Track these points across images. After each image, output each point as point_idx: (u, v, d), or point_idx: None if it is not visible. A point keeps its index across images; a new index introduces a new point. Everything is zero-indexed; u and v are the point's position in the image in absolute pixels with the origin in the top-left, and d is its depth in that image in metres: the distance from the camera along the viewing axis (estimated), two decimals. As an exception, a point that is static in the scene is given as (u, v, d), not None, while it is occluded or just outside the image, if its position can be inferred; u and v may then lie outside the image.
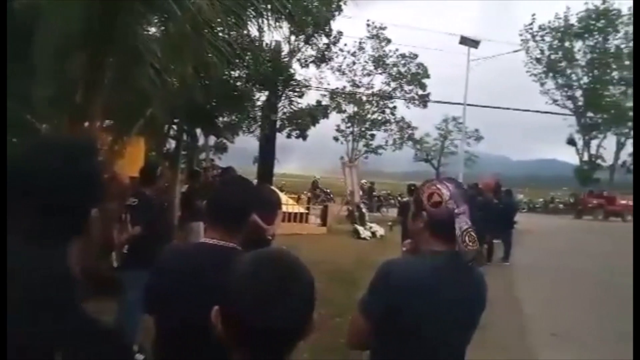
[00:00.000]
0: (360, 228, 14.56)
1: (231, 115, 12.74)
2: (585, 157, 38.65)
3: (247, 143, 19.58)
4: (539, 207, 33.11)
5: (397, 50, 31.54)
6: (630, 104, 37.48)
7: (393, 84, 32.11)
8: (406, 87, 31.84)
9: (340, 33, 21.60)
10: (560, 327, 6.28)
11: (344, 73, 31.26)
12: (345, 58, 30.52)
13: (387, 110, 32.63)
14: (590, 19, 36.65)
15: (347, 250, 11.04)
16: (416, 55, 31.45)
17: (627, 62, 36.39)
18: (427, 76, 31.42)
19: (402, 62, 31.53)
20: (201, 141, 15.06)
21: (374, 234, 14.37)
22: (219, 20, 4.61)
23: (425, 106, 31.69)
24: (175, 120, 10.60)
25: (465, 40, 24.04)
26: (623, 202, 29.00)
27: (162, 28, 5.01)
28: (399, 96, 32.07)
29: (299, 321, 0.91)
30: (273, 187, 8.35)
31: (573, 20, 37.28)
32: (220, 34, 5.28)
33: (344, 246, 11.86)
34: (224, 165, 13.03)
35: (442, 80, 36.54)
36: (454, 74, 29.48)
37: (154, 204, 4.53)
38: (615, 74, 37.03)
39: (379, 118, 32.79)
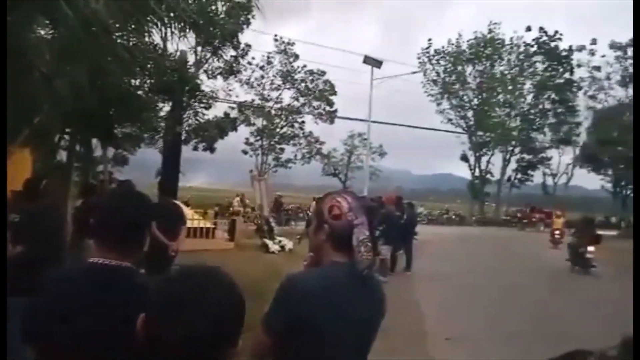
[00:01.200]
0: (269, 242, 14.43)
1: (132, 125, 12.07)
2: (477, 173, 42.12)
3: (149, 155, 18.68)
4: (435, 219, 35.24)
5: (305, 66, 32.18)
6: (514, 124, 41.68)
7: (302, 99, 32.65)
8: (314, 103, 32.51)
9: (248, 46, 21.57)
10: (455, 331, 6.69)
11: (252, 86, 31.21)
12: (253, 71, 30.53)
13: (296, 125, 33.06)
14: (479, 47, 40.31)
15: (255, 265, 10.87)
16: (324, 72, 32.31)
17: (510, 87, 40.45)
18: (334, 93, 32.37)
19: (310, 78, 32.19)
20: (99, 152, 14.07)
21: (282, 247, 14.32)
22: (117, 25, 4.34)
23: (332, 122, 32.56)
24: (67, 130, 9.77)
25: (368, 60, 25.16)
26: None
27: (52, 31, 4.60)
28: (307, 111, 32.66)
29: (209, 333, 0.93)
30: (177, 202, 8.01)
31: (464, 46, 40.76)
32: (119, 40, 4.97)
33: (252, 261, 11.67)
34: (123, 178, 12.25)
35: (348, 97, 37.83)
36: (358, 92, 30.69)
37: (38, 221, 4.10)
38: (500, 97, 40.91)
39: (288, 132, 33.09)
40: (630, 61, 36.81)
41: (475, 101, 41.22)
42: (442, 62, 41.23)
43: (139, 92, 10.96)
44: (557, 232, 19.96)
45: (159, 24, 5.47)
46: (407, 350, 5.90)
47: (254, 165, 30.99)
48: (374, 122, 27.61)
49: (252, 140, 32.81)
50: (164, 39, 13.07)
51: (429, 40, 42.02)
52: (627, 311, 4.22)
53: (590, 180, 52.52)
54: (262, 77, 31.41)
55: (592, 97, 39.47)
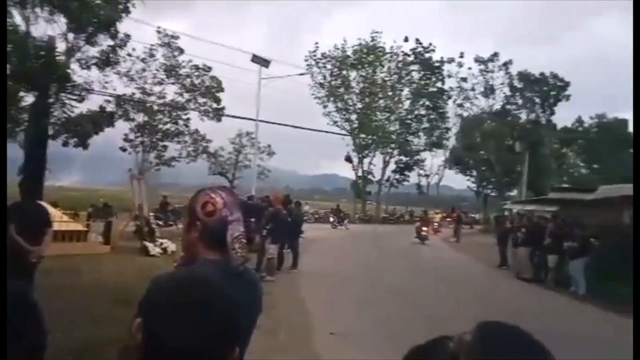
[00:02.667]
0: (149, 245, 13.62)
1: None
2: (360, 173, 44.21)
3: (11, 151, 16.53)
4: (321, 217, 36.19)
5: (190, 61, 30.93)
6: (393, 128, 44.51)
7: (187, 95, 31.31)
8: (200, 100, 31.39)
9: (127, 36, 20.10)
10: (340, 327, 6.90)
11: (132, 79, 29.18)
12: (134, 64, 28.57)
13: (181, 122, 31.59)
14: (362, 53, 42.35)
15: (131, 269, 10.19)
16: (210, 68, 31.33)
17: (390, 93, 43.10)
18: (221, 90, 31.57)
19: (196, 74, 31.02)
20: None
21: (165, 250, 13.60)
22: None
23: (219, 120, 31.72)
24: None
25: (256, 59, 25.04)
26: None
27: None
28: (193, 108, 31.43)
29: (209, 339, 0.91)
30: (42, 202, 7.18)
31: (349, 52, 42.53)
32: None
33: (127, 264, 10.92)
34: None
35: (235, 95, 37.25)
36: (246, 91, 30.37)
37: None
38: (381, 102, 43.41)
39: (172, 129, 31.51)
40: (491, 74, 41.40)
41: (359, 105, 43.20)
42: (328, 66, 42.57)
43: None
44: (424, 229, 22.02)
45: (20, 4, 4.84)
46: (294, 347, 5.96)
47: (133, 164, 29.05)
48: (262, 121, 27.61)
49: (131, 136, 30.70)
50: (27, 21, 11.71)
51: (316, 43, 43.20)
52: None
53: (458, 181, 58.01)
54: (144, 70, 29.53)
55: (460, 106, 43.63)
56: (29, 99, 12.68)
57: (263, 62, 25.02)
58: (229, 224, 1.60)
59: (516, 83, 41.25)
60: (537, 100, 41.19)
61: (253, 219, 10.37)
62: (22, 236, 5.24)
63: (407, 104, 44.86)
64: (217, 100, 31.39)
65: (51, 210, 11.02)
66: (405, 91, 44.40)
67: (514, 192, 39.01)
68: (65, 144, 18.45)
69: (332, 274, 11.71)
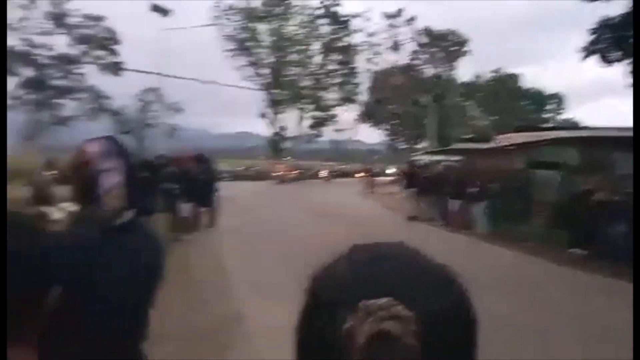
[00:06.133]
0: (49, 209, 12.60)
1: None
2: (275, 130, 43.82)
3: None
4: (238, 175, 35.72)
5: (79, 9, 28.05)
6: (303, 83, 44.31)
7: (81, 48, 28.58)
8: (96, 53, 28.82)
9: (3, -22, 17.63)
10: (258, 280, 6.92)
11: (14, 29, 25.96)
12: (13, 10, 25.34)
13: (74, 77, 28.93)
14: (271, 5, 41.06)
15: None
16: (102, 18, 28.66)
17: (301, 47, 42.55)
18: (117, 42, 29.16)
19: (87, 23, 28.27)
20: None
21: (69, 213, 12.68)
22: None
23: (117, 74, 29.45)
24: None
25: (156, 8, 23.27)
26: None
27: None
28: (87, 62, 28.82)
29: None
30: None
31: (257, 3, 41.01)
32: None
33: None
34: None
35: (137, 49, 34.59)
36: (149, 44, 28.30)
37: None
38: (293, 56, 42.78)
39: (65, 85, 28.77)
40: (400, 29, 42.33)
41: (271, 59, 42.25)
42: (235, 18, 40.84)
43: None
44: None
45: None
46: (215, 301, 5.90)
47: (22, 124, 26.33)
48: (167, 75, 26.05)
49: (18, 93, 27.64)
50: None
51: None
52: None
53: (371, 135, 59.82)
54: (26, 18, 26.38)
55: (369, 60, 44.31)
56: None
57: (163, 12, 23.35)
58: (100, 173, 1.44)
59: (421, 39, 42.65)
60: (442, 55, 43.03)
61: (159, 179, 9.88)
62: None
63: (318, 59, 44.69)
64: (114, 53, 29.03)
65: None
66: (316, 46, 44.09)
67: (424, 145, 41.14)
68: None
69: (250, 231, 11.64)
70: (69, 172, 1.52)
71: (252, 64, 42.17)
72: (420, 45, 42.82)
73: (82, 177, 1.47)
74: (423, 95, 38.10)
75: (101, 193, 1.42)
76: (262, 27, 41.57)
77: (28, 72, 27.12)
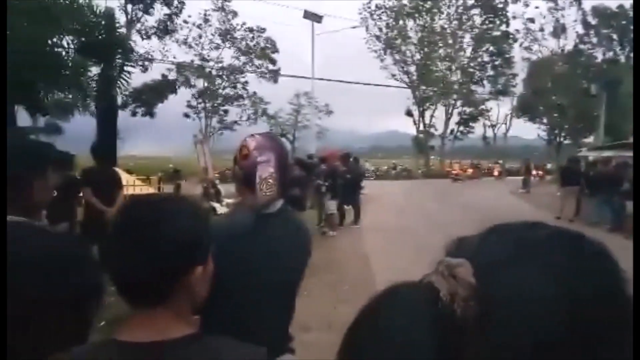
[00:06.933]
0: (216, 205, 14.25)
1: (62, 91, 11.21)
2: (421, 127, 43.03)
3: (86, 123, 17.60)
4: (382, 174, 35.98)
5: (244, 24, 31.05)
6: (455, 78, 42.61)
7: (243, 59, 31.65)
8: (256, 62, 31.64)
9: (181, 3, 20.40)
10: (400, 277, 6.90)
11: (190, 46, 29.85)
12: (190, 30, 29.12)
13: (239, 86, 32.16)
14: (419, 1, 40.29)
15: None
16: (264, 29, 31.34)
17: (450, 41, 41.03)
18: (276, 51, 31.60)
19: (251, 36, 31.18)
20: (27, 122, 13.06)
21: (231, 210, 14.18)
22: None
23: (276, 81, 31.92)
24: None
25: (308, 15, 24.54)
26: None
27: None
28: (250, 70, 31.79)
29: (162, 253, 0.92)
30: (114, 168, 7.65)
31: (405, 0, 40.60)
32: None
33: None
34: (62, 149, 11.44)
35: (290, 54, 37.04)
36: (301, 49, 30.00)
37: None
38: (441, 51, 41.46)
39: (231, 93, 32.18)
40: (562, 12, 38.10)
41: (418, 56, 41.58)
42: (383, 17, 41.04)
43: (64, 54, 10.14)
44: None
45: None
46: (356, 301, 6.05)
47: (197, 129, 30.09)
48: (318, 79, 27.30)
49: (194, 103, 31.70)
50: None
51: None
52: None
53: (527, 130, 55.06)
54: (200, 36, 30.10)
55: (527, 49, 40.78)
56: (95, 69, 13.24)
57: (315, 18, 24.53)
58: (257, 165, 1.62)
59: (590, 19, 37.75)
60: (615, 36, 37.56)
61: (312, 177, 10.49)
62: (98, 198, 5.68)
63: (469, 51, 42.59)
64: (273, 62, 31.47)
65: (126, 176, 11.75)
66: (467, 38, 42.06)
67: (590, 139, 36.40)
68: (134, 114, 19.41)
69: (394, 228, 11.68)
70: (235, 163, 1.74)
71: (398, 61, 41.98)
72: (590, 26, 37.87)
73: (242, 167, 1.68)
74: (592, 83, 33.68)
75: (257, 181, 1.61)
76: (410, 24, 41.12)
77: (201, 84, 30.94)
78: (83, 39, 9.89)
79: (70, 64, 10.17)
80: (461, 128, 44.61)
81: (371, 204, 14.81)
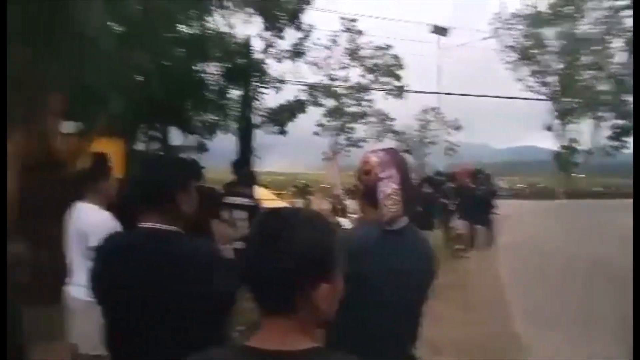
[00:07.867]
0: (342, 220, 14.50)
1: (209, 113, 12.48)
2: (564, 142, 39.14)
3: (225, 142, 19.27)
4: (518, 193, 33.44)
5: (370, 42, 31.49)
6: (602, 87, 38.16)
7: (369, 77, 32.08)
8: (382, 79, 31.81)
9: (311, 26, 21.38)
10: (537, 304, 6.30)
11: (319, 67, 31.08)
12: (320, 52, 30.37)
13: (365, 103, 32.59)
14: (558, 6, 37.05)
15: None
16: (390, 46, 31.42)
17: (597, 47, 36.96)
18: (402, 67, 31.45)
19: (377, 54, 31.48)
20: (177, 141, 14.73)
21: (356, 225, 14.29)
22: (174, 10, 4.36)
23: (401, 97, 31.72)
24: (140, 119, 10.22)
25: (435, 29, 24.07)
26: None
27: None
28: (376, 88, 32.05)
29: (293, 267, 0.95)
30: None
31: (542, 7, 37.63)
32: (180, 26, 5.03)
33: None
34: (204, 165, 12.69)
35: (416, 70, 36.60)
36: (429, 64, 29.53)
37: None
38: (585, 59, 37.54)
39: (358, 111, 32.73)
40: None
41: (559, 65, 38.11)
42: (518, 26, 38.45)
43: (209, 79, 11.28)
44: None
45: (220, 9, 5.51)
46: (489, 325, 5.66)
47: (326, 147, 31.16)
48: (445, 93, 26.56)
49: (323, 121, 32.86)
50: (230, 26, 13.42)
51: (503, 2, 39.31)
52: None
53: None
54: (329, 57, 31.21)
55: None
56: (237, 94, 14.47)
57: (441, 32, 23.98)
58: (379, 181, 1.58)
59: None
60: None
61: (438, 194, 10.12)
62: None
63: (620, 57, 37.81)
64: (398, 78, 31.40)
65: (263, 191, 12.58)
66: (618, 42, 37.40)
67: None
68: (268, 133, 20.75)
69: (531, 251, 10.71)
70: (357, 179, 1.73)
71: (537, 72, 38.87)
72: None
73: (365, 182, 1.66)
74: None
75: (380, 198, 1.57)
76: (548, 32, 37.95)
77: (329, 103, 31.99)
78: (226, 65, 10.92)
79: (214, 88, 11.27)
80: (612, 143, 39.56)
81: (506, 224, 13.76)
